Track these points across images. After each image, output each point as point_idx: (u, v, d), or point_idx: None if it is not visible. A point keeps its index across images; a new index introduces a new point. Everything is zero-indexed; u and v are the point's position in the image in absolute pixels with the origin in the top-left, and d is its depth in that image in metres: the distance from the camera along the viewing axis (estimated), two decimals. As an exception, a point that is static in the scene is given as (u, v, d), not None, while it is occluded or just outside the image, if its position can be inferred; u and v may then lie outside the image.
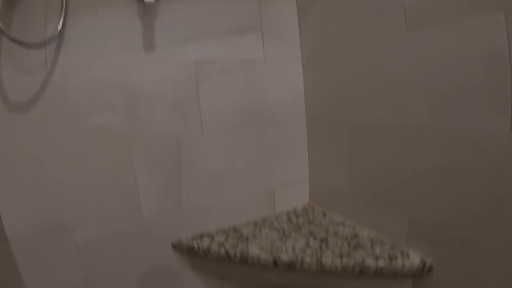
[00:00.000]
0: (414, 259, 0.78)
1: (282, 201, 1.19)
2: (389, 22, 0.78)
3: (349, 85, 0.96)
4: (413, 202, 0.80)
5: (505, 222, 0.60)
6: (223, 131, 1.03)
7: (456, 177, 0.68)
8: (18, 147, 0.79)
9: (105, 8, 0.83)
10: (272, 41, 1.05)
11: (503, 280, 0.61)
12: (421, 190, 0.77)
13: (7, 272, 0.80)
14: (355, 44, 0.91)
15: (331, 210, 1.13)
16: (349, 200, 1.03)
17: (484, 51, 0.59)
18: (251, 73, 1.03)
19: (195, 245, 0.99)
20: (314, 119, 1.13)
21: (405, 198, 0.82)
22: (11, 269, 0.81)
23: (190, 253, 1.01)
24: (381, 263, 0.78)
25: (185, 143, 0.99)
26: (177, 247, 1.02)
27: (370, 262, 0.79)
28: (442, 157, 0.71)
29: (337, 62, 0.99)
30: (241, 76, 1.02)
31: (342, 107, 1.00)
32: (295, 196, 1.22)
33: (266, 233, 1.04)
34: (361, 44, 0.88)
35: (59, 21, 0.76)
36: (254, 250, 0.93)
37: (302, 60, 1.11)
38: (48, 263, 0.87)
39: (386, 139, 0.86)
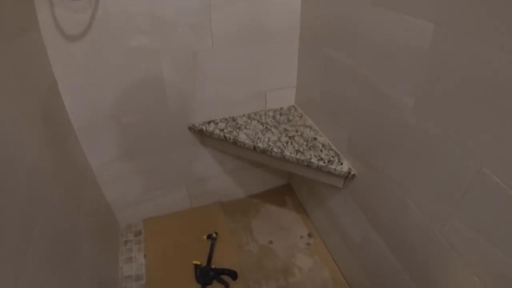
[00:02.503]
0: (344, 167, 1.17)
1: (273, 101, 1.52)
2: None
3: (328, 24, 1.14)
4: (351, 125, 1.13)
5: (397, 159, 0.94)
6: (228, 45, 1.28)
7: (371, 117, 1.00)
8: (78, 64, 1.11)
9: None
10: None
11: (396, 191, 1.01)
12: (357, 118, 1.09)
13: (74, 148, 1.23)
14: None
15: (307, 114, 1.48)
16: (318, 110, 1.36)
17: None
18: (255, 1, 1.19)
19: (204, 129, 1.40)
20: (305, 42, 1.33)
21: (348, 120, 1.15)
22: (76, 145, 1.25)
23: (200, 134, 1.44)
24: (321, 163, 1.19)
25: (199, 54, 1.26)
26: (191, 128, 1.44)
27: (314, 160, 1.20)
28: (366, 101, 1.00)
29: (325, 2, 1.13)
30: (245, 3, 1.18)
31: (322, 40, 1.20)
32: (283, 98, 1.54)
33: (255, 124, 1.43)
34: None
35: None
36: (242, 137, 1.34)
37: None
38: (101, 141, 1.32)
39: (342, 74, 1.11)
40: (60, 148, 1.07)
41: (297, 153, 1.24)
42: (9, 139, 0.74)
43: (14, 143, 0.75)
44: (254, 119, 1.47)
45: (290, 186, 1.91)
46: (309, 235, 1.61)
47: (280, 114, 1.51)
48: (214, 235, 1.58)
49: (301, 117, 1.49)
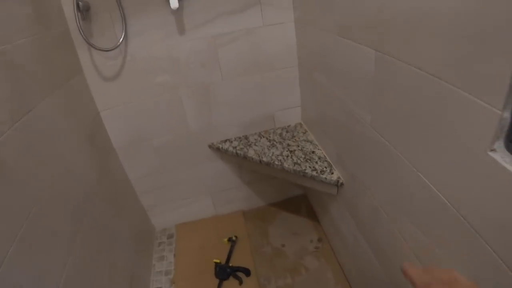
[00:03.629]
0: (334, 176, 1.33)
1: (281, 119, 1.74)
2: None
3: (314, 52, 1.33)
4: (336, 139, 1.30)
5: (366, 168, 1.09)
6: (235, 77, 1.53)
7: (346, 132, 1.16)
8: (115, 98, 1.44)
9: (148, 11, 1.28)
10: (270, 10, 1.38)
11: (370, 199, 1.16)
12: (338, 133, 1.25)
13: (115, 164, 1.56)
14: (319, 25, 1.23)
15: (310, 130, 1.66)
16: (316, 126, 1.54)
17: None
18: (254, 37, 1.43)
19: (220, 147, 1.66)
20: (302, 67, 1.54)
21: (334, 134, 1.31)
22: (117, 162, 1.58)
23: (218, 150, 1.70)
24: (314, 173, 1.36)
25: (212, 86, 1.53)
26: (210, 146, 1.70)
27: (308, 171, 1.38)
28: (341, 117, 1.16)
29: (311, 32, 1.32)
30: (246, 40, 1.43)
31: (312, 65, 1.39)
32: (290, 117, 1.74)
33: (263, 141, 1.65)
34: (320, 28, 1.21)
35: (122, 26, 1.25)
36: (251, 153, 1.56)
37: (295, 21, 1.44)
38: (137, 158, 1.64)
39: (326, 95, 1.29)
40: (103, 164, 1.39)
41: (294, 165, 1.43)
42: (64, 157, 1.06)
43: (67, 160, 1.08)
44: (263, 137, 1.69)
45: (305, 196, 2.08)
46: (319, 239, 1.76)
47: (287, 131, 1.71)
48: (234, 238, 1.81)
49: (304, 133, 1.67)
